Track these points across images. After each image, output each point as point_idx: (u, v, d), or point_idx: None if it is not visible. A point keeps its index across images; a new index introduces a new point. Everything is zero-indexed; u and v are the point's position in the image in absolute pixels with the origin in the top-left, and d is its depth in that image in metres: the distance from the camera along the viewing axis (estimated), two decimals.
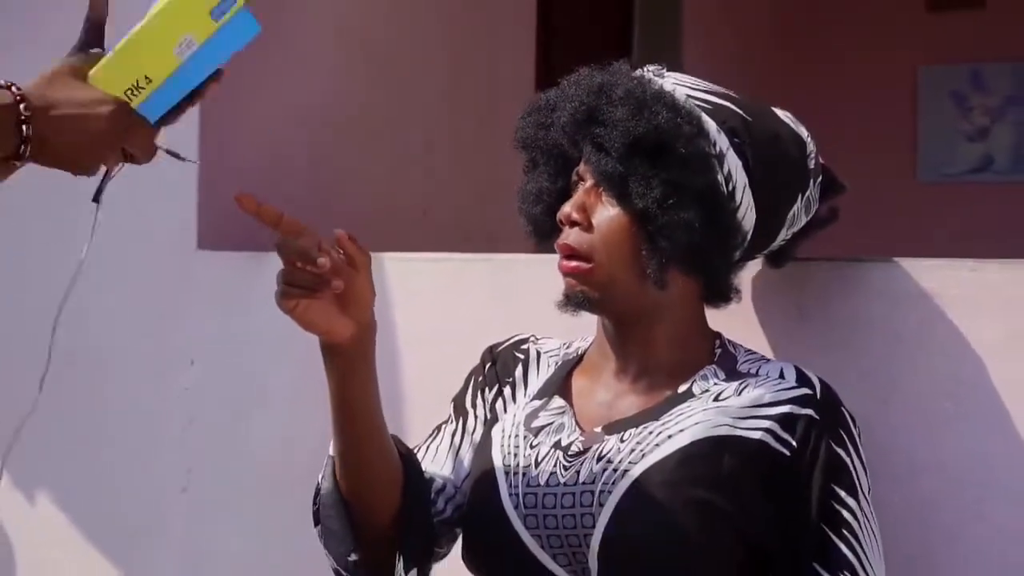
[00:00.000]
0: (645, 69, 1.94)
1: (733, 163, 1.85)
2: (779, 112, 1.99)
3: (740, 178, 1.85)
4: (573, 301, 1.88)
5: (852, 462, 1.83)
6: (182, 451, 3.06)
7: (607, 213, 1.84)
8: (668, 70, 1.92)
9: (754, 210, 1.87)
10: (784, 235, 1.98)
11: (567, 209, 1.86)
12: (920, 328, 2.21)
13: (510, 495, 1.88)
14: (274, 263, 3.12)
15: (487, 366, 2.15)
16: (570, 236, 1.85)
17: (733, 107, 1.88)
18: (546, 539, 1.84)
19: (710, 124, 1.85)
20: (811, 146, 1.99)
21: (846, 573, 1.79)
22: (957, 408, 2.16)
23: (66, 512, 3.24)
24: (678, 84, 1.90)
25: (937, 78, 6.29)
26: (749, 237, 1.92)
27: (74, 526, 3.24)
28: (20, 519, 3.30)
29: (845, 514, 1.81)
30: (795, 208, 1.95)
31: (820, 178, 1.99)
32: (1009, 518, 2.10)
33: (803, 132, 2.00)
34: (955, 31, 6.15)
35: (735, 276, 1.97)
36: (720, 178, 1.85)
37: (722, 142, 1.84)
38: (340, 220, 3.53)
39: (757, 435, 1.81)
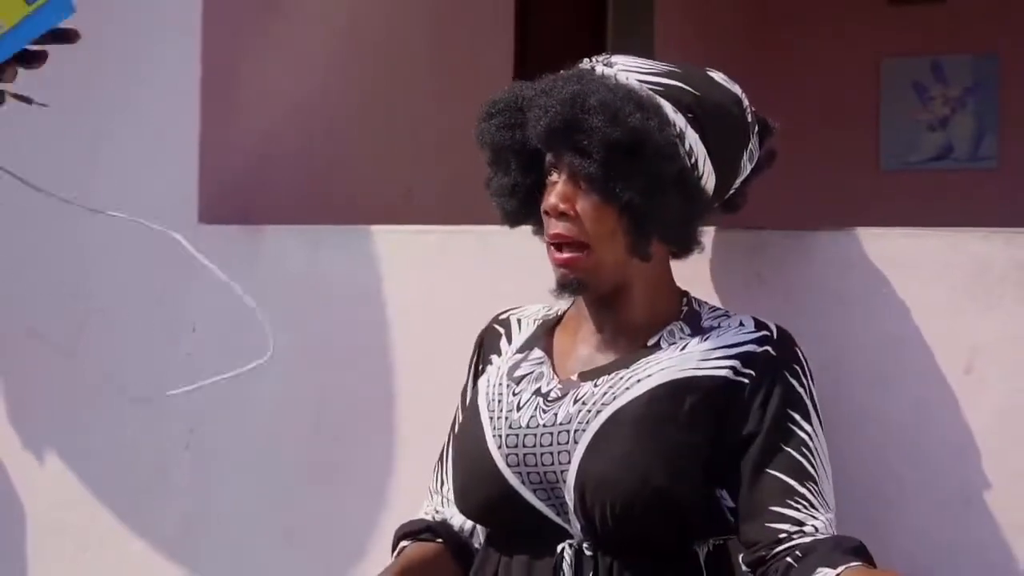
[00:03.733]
0: (594, 61, 2.10)
1: (692, 138, 2.02)
2: (714, 75, 2.15)
3: (699, 150, 2.03)
4: (569, 289, 2.07)
5: (806, 394, 2.03)
6: (185, 412, 3.22)
7: (591, 202, 2.01)
8: (626, 55, 2.09)
9: (714, 175, 2.05)
10: (735, 185, 2.17)
11: (553, 201, 2.02)
12: (866, 292, 2.43)
13: (493, 436, 2.07)
14: (271, 236, 3.30)
15: (478, 351, 2.35)
16: (560, 226, 2.02)
17: (682, 85, 2.04)
18: (527, 476, 2.03)
19: (667, 107, 2.01)
20: (745, 100, 2.15)
21: (809, 484, 1.98)
22: (898, 365, 2.38)
23: (74, 471, 3.39)
24: (628, 71, 2.05)
25: (899, 69, 6.47)
26: (711, 201, 2.15)
27: (81, 485, 3.39)
28: (31, 480, 3.45)
29: (802, 435, 2.01)
30: (743, 160, 2.12)
31: (756, 127, 2.16)
32: (943, 461, 2.33)
33: (737, 89, 2.15)
34: (916, 23, 6.34)
35: (698, 229, 2.16)
36: (684, 155, 2.03)
37: (680, 121, 2.01)
38: (331, 200, 3.71)
39: (720, 373, 2.01)
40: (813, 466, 1.97)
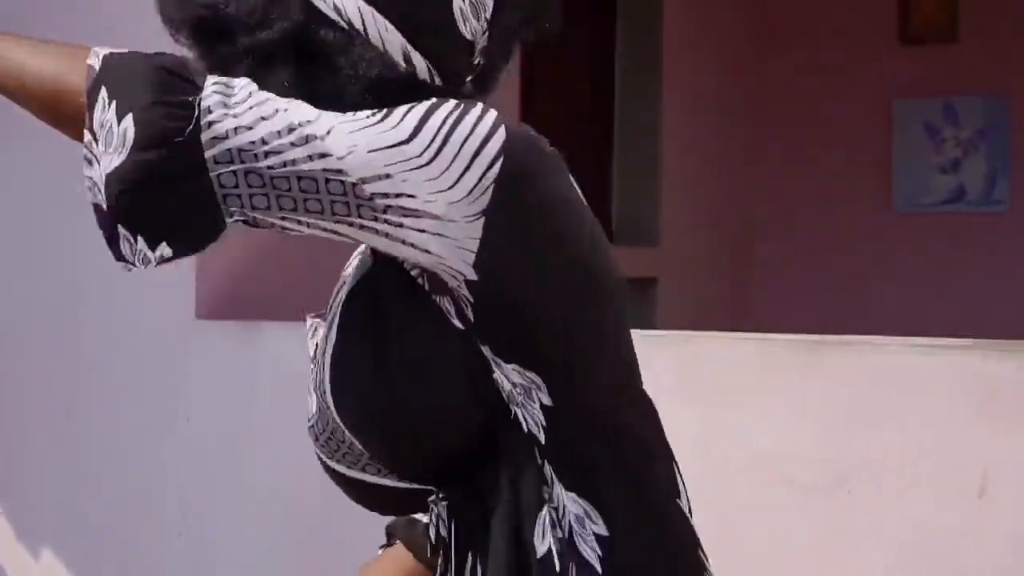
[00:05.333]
0: None
1: None
2: None
3: (351, 3, 1.65)
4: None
5: None
6: (179, 497, 3.20)
7: None
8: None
9: (391, 26, 1.66)
10: (478, 27, 1.70)
11: None
12: (877, 408, 2.37)
13: (307, 419, 1.79)
14: (269, 332, 3.27)
15: None
16: None
17: None
18: (326, 447, 1.74)
19: None
20: None
21: None
22: (910, 485, 2.32)
23: (70, 560, 3.38)
24: None
25: (911, 111, 6.44)
26: (413, 54, 1.66)
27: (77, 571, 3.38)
28: (25, 570, 3.44)
29: None
30: (457, 9, 1.68)
31: None
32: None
33: None
34: (928, 64, 6.31)
35: (468, 94, 1.71)
36: (319, 12, 1.63)
37: None
38: (328, 294, 3.67)
39: None
40: None
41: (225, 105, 1.50)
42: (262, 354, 3.20)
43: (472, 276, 1.54)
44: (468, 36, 1.66)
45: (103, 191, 1.49)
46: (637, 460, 1.61)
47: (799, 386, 2.50)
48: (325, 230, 1.54)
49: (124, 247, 1.52)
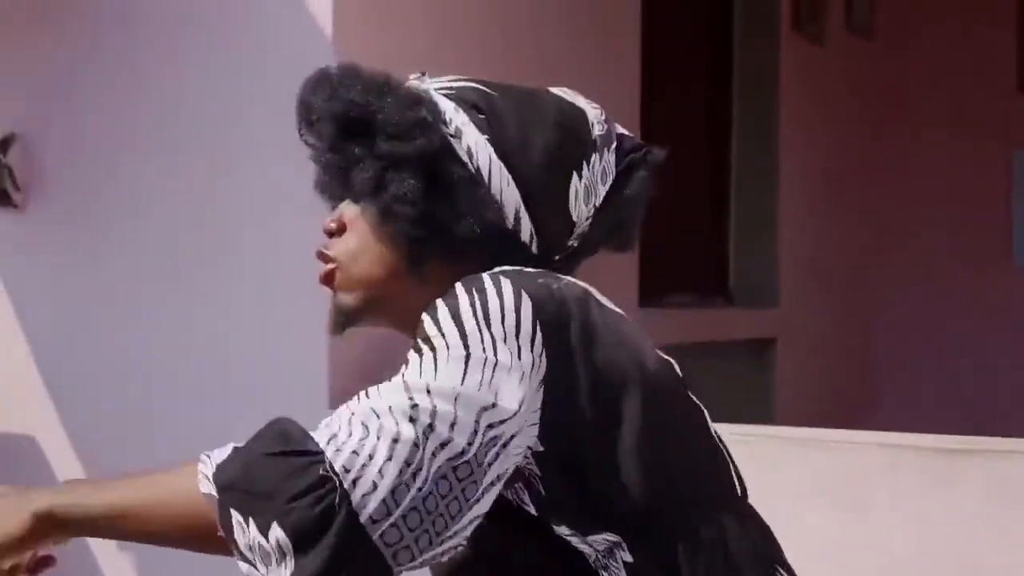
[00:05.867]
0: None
1: (473, 139, 1.73)
2: (554, 89, 1.88)
3: (483, 152, 1.73)
4: (340, 312, 1.76)
5: (434, 328, 1.59)
6: None
7: (351, 211, 1.75)
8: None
9: (513, 183, 1.73)
10: (585, 212, 1.77)
11: (325, 221, 1.78)
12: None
13: None
14: None
15: None
16: (326, 244, 1.77)
17: (478, 86, 1.80)
18: None
19: (445, 103, 1.76)
20: (594, 115, 1.82)
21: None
22: None
23: None
24: (430, 82, 1.82)
25: None
26: (523, 215, 1.74)
27: None
28: None
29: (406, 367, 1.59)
30: (579, 181, 1.77)
31: (613, 145, 1.83)
32: None
33: (581, 102, 1.84)
34: None
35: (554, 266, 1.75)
36: (453, 148, 1.72)
37: (460, 119, 1.75)
38: None
39: None
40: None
41: (356, 454, 1.49)
42: None
43: (539, 447, 1.60)
44: (574, 217, 1.76)
45: None
46: None
47: (933, 493, 2.49)
48: (463, 534, 1.55)
49: None
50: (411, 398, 1.52)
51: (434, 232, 1.70)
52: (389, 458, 1.48)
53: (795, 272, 5.76)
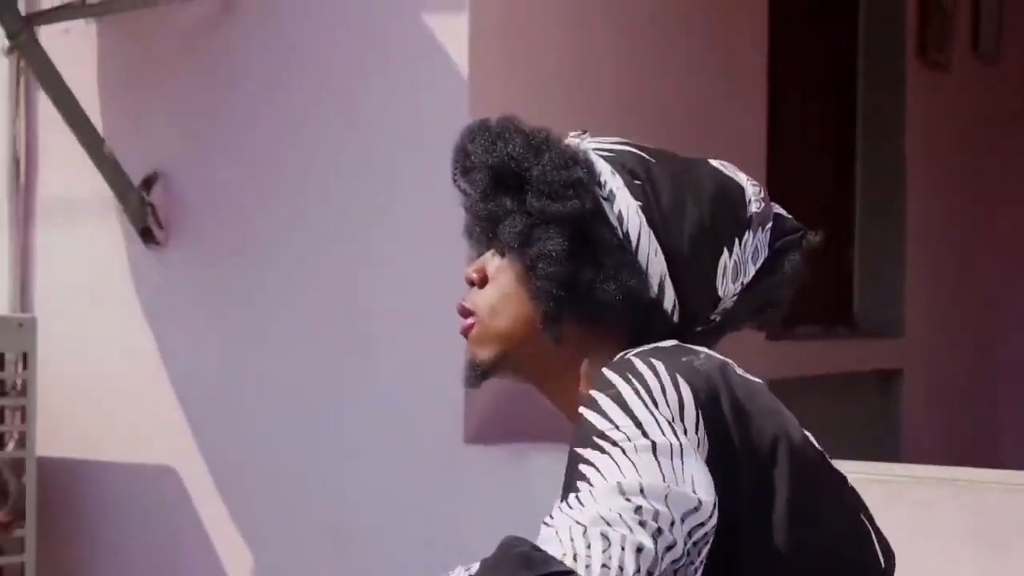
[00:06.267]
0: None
1: (626, 203, 1.74)
2: (714, 162, 1.86)
3: (634, 219, 1.74)
4: (475, 367, 1.76)
5: (601, 420, 1.56)
6: None
7: (494, 264, 1.76)
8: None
9: (661, 252, 1.75)
10: (732, 289, 1.78)
11: (466, 269, 1.79)
12: None
13: None
14: (536, 456, 3.35)
15: None
16: (465, 297, 1.77)
17: (636, 151, 1.80)
18: None
19: (602, 165, 1.77)
20: (752, 192, 1.83)
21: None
22: None
23: None
24: (589, 142, 1.81)
25: None
26: (667, 285, 1.74)
27: None
28: None
29: (578, 467, 1.54)
30: (728, 257, 1.78)
31: (768, 225, 1.83)
32: None
33: (740, 178, 1.84)
34: None
35: (689, 340, 1.74)
36: (604, 212, 1.72)
37: (615, 182, 1.75)
38: None
39: None
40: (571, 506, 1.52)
41: (606, 567, 1.45)
42: (530, 477, 3.27)
43: None
44: (720, 292, 1.75)
45: None
46: None
47: None
48: None
49: None
50: (629, 500, 1.49)
51: (575, 293, 1.69)
52: (637, 569, 1.46)
53: (921, 301, 5.71)
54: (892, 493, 2.93)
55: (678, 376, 1.58)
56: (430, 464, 3.46)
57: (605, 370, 1.60)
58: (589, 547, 1.45)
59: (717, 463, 1.56)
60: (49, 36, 3.86)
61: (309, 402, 3.70)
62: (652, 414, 1.55)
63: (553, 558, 1.45)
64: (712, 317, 1.76)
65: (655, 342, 1.69)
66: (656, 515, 1.48)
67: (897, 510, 2.87)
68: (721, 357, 1.67)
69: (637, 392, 1.56)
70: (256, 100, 3.79)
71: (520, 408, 3.44)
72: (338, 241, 3.69)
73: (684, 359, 1.62)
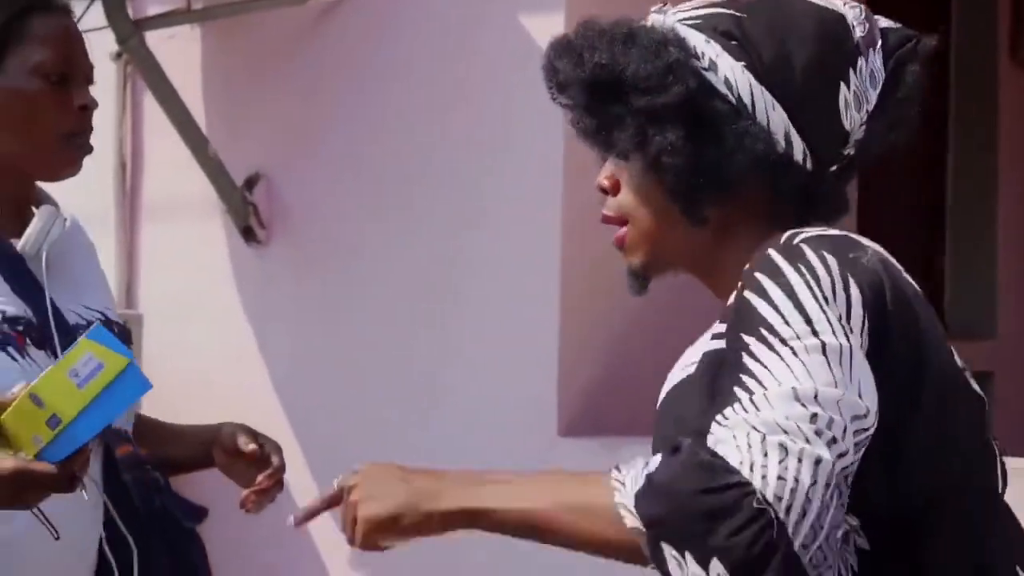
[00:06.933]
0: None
1: (729, 67, 1.69)
2: None
3: (742, 80, 1.69)
4: (632, 274, 1.76)
5: (769, 309, 1.55)
6: None
7: (621, 168, 1.73)
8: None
9: (778, 106, 1.69)
10: (858, 119, 1.72)
11: (597, 179, 1.76)
12: None
13: None
14: (627, 449, 3.39)
15: None
16: (605, 205, 1.75)
17: (723, 10, 1.73)
18: None
19: (694, 37, 1.71)
20: (852, 16, 1.75)
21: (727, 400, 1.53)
22: None
23: None
24: (673, 14, 1.76)
25: None
26: (793, 135, 1.69)
27: None
28: None
29: (742, 356, 1.54)
30: (847, 90, 1.71)
31: (877, 45, 1.76)
32: None
33: (836, 5, 1.75)
34: None
35: (829, 183, 1.71)
36: (710, 83, 1.68)
37: (712, 50, 1.70)
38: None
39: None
40: (740, 386, 1.51)
41: (782, 479, 1.46)
42: None
43: None
44: (847, 126, 1.69)
45: None
46: None
47: None
48: None
49: None
50: (805, 407, 1.48)
51: (706, 176, 1.66)
52: (814, 482, 1.46)
53: (1013, 303, 5.68)
54: None
55: (848, 275, 1.54)
56: (523, 457, 3.51)
57: (773, 254, 1.57)
58: (766, 455, 1.46)
59: (878, 361, 1.53)
60: (155, 41, 3.98)
61: (406, 400, 3.78)
62: (823, 311, 1.52)
63: (731, 469, 1.46)
64: (846, 152, 1.71)
65: (795, 197, 1.66)
66: (831, 423, 1.48)
67: None
68: (881, 252, 1.62)
69: (809, 286, 1.53)
70: (354, 102, 3.88)
71: (613, 401, 3.50)
72: (436, 240, 3.77)
73: (852, 255, 1.57)
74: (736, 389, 1.51)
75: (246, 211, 3.94)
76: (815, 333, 1.51)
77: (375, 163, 3.87)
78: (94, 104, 2.13)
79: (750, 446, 1.47)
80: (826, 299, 1.52)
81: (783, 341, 1.52)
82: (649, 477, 1.49)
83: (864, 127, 1.71)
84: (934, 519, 1.57)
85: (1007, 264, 5.65)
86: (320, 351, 3.91)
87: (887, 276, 1.57)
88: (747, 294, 1.56)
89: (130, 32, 3.84)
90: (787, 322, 1.52)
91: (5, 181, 2.11)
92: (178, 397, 4.12)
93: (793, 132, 1.67)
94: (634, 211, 1.70)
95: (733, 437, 1.48)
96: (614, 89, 1.68)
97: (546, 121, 3.62)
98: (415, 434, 3.75)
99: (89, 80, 2.14)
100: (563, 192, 3.61)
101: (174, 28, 4.03)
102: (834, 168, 1.69)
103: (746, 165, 1.65)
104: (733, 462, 1.46)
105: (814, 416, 1.47)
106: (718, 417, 1.50)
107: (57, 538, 1.86)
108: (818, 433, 1.47)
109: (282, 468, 2.19)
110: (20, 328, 2.05)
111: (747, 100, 1.67)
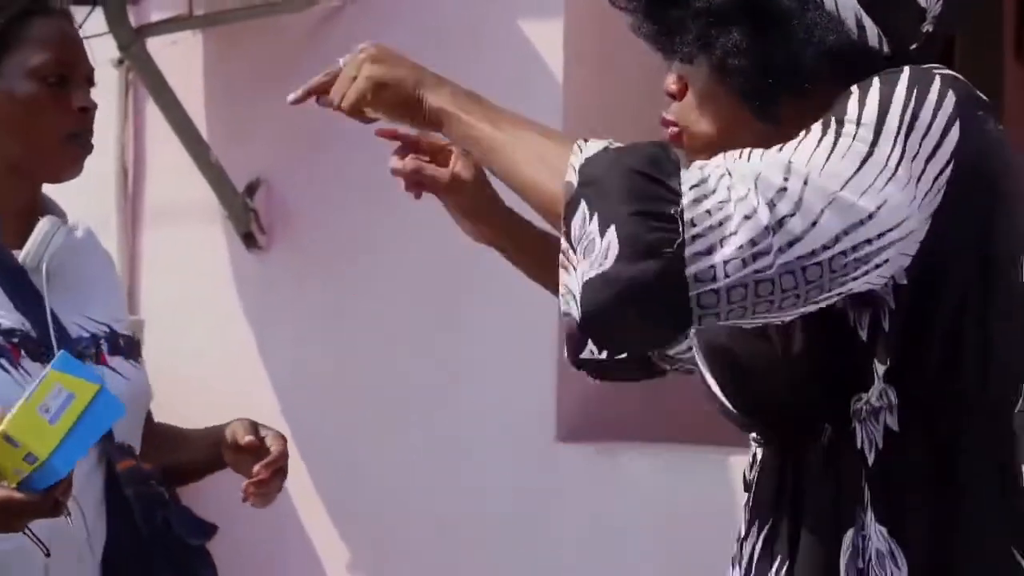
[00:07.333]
0: None
1: None
2: None
3: None
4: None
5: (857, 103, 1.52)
6: None
7: (687, 71, 1.68)
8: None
9: None
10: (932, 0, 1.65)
11: (664, 84, 1.72)
12: None
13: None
14: (626, 456, 3.40)
15: None
16: (668, 110, 1.71)
17: None
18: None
19: None
20: None
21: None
22: None
23: None
24: None
25: None
26: (865, 19, 1.63)
27: None
28: None
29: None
30: None
31: None
32: None
33: None
34: None
35: (911, 63, 1.61)
36: None
37: None
38: (679, 419, 3.74)
39: None
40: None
41: (709, 213, 1.46)
42: (621, 476, 3.31)
43: (902, 280, 1.52)
44: (923, 3, 1.62)
45: (578, 298, 1.48)
46: (970, 517, 1.54)
47: None
48: (782, 319, 1.52)
49: (585, 353, 1.60)
50: (785, 179, 1.47)
51: (776, 76, 1.60)
52: (735, 232, 1.45)
53: None
54: None
55: (957, 121, 1.50)
56: (522, 462, 3.52)
57: (907, 71, 1.53)
58: (714, 191, 1.47)
59: (948, 223, 1.50)
60: (157, 47, 3.98)
61: (406, 405, 3.78)
62: (898, 134, 1.49)
63: (678, 175, 1.48)
64: (924, 29, 1.63)
65: None
66: (798, 204, 1.47)
67: None
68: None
69: (906, 107, 1.51)
70: None
71: (612, 406, 3.49)
72: (436, 246, 3.76)
73: (980, 113, 1.53)
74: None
75: (247, 217, 3.94)
76: (872, 144, 1.49)
77: (376, 169, 3.83)
78: (94, 105, 2.12)
79: (709, 176, 1.48)
80: (911, 128, 1.50)
81: (838, 131, 1.50)
82: (606, 147, 1.53)
83: (942, 2, 1.63)
84: (972, 409, 1.54)
85: None
86: (320, 356, 3.91)
87: (1004, 150, 1.54)
88: (853, 87, 1.53)
89: (131, 39, 3.85)
90: (858, 121, 1.50)
91: (8, 188, 2.11)
92: (179, 402, 4.11)
93: (865, 16, 1.60)
94: (699, 115, 1.65)
95: (704, 166, 1.50)
96: None
97: (548, 125, 3.63)
98: (415, 439, 3.75)
99: (90, 82, 2.14)
100: None
101: (176, 34, 4.03)
102: (914, 47, 1.62)
103: (818, 58, 1.59)
104: (684, 178, 1.48)
105: (783, 189, 1.47)
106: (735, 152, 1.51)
107: (48, 555, 1.87)
108: (771, 204, 1.46)
109: (281, 457, 2.12)
110: (15, 340, 2.03)
111: None
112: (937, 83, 1.53)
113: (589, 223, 1.48)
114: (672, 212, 1.46)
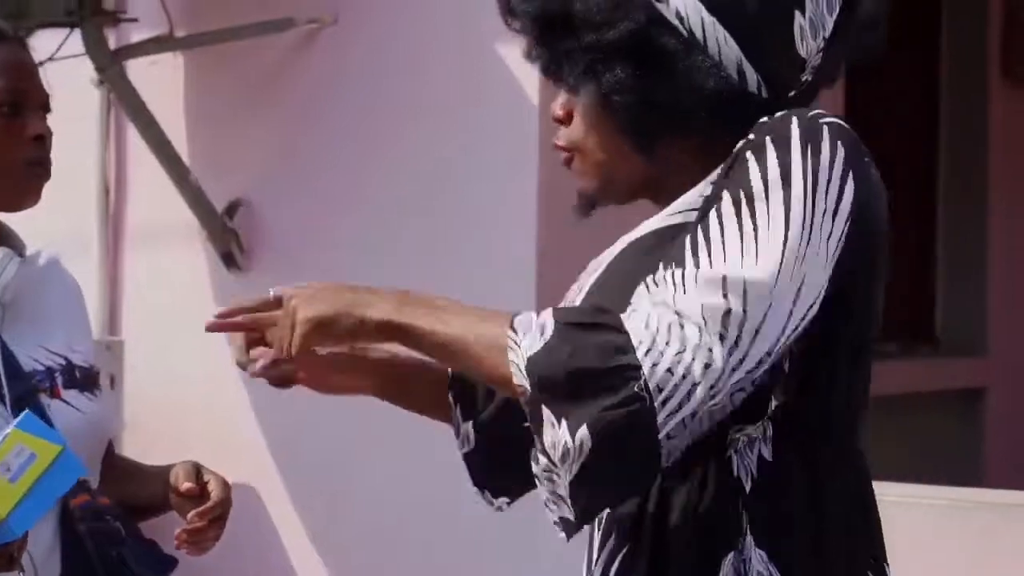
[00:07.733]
0: None
1: (682, 2, 1.66)
2: None
3: (693, 12, 1.66)
4: (581, 198, 1.77)
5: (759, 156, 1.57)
6: None
7: (574, 100, 1.72)
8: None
9: (730, 38, 1.67)
10: (814, 46, 1.69)
11: (551, 108, 1.76)
12: None
13: None
14: None
15: None
16: (557, 135, 1.75)
17: None
18: None
19: None
20: None
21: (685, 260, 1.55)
22: None
23: None
24: None
25: None
26: (746, 66, 1.67)
27: None
28: None
29: (711, 209, 1.57)
30: (802, 17, 1.69)
31: None
32: None
33: None
34: None
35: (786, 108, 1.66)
36: (661, 17, 1.66)
37: None
38: None
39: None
40: (704, 236, 1.55)
41: (670, 372, 1.50)
42: None
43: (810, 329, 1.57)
44: (803, 54, 1.67)
45: (569, 503, 1.53)
46: (838, 534, 1.60)
47: None
48: None
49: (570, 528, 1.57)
50: (725, 297, 1.51)
51: (656, 113, 1.65)
52: (698, 383, 1.50)
53: (1005, 319, 5.68)
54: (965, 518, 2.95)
55: (851, 173, 1.56)
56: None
57: (793, 122, 1.58)
58: (668, 344, 1.50)
59: (849, 260, 1.56)
60: (138, 68, 3.99)
61: (389, 424, 3.78)
62: (805, 197, 1.54)
63: (627, 348, 1.50)
64: (803, 79, 1.68)
65: (750, 126, 1.61)
66: (742, 324, 1.51)
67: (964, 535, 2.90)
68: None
69: (806, 162, 1.55)
70: (336, 130, 3.90)
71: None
72: (417, 269, 3.77)
73: (866, 159, 1.60)
74: (687, 251, 1.54)
75: (227, 237, 3.95)
76: (786, 216, 1.53)
77: (356, 190, 3.89)
78: (49, 133, 2.09)
79: (658, 329, 1.50)
80: (815, 187, 1.54)
81: (752, 214, 1.54)
82: (547, 346, 1.52)
83: (821, 54, 1.69)
84: (843, 434, 1.61)
85: (998, 281, 5.65)
86: None
87: (883, 195, 1.61)
88: (747, 153, 1.57)
89: (108, 62, 3.86)
90: (765, 191, 1.54)
91: None
92: (159, 422, 4.14)
93: (746, 63, 1.65)
94: (585, 142, 1.70)
95: (647, 314, 1.52)
96: (564, 23, 1.67)
97: (526, 146, 3.64)
98: (401, 463, 3.76)
99: (45, 108, 2.11)
100: (537, 216, 3.64)
101: (157, 55, 4.04)
102: (792, 94, 1.67)
103: (697, 101, 1.64)
104: (633, 340, 1.50)
105: (728, 312, 1.50)
106: (656, 276, 1.54)
107: None
108: (722, 337, 1.50)
109: (219, 505, 2.07)
110: None
111: (698, 34, 1.65)
112: (826, 134, 1.57)
113: (559, 428, 1.50)
114: (637, 391, 1.49)
